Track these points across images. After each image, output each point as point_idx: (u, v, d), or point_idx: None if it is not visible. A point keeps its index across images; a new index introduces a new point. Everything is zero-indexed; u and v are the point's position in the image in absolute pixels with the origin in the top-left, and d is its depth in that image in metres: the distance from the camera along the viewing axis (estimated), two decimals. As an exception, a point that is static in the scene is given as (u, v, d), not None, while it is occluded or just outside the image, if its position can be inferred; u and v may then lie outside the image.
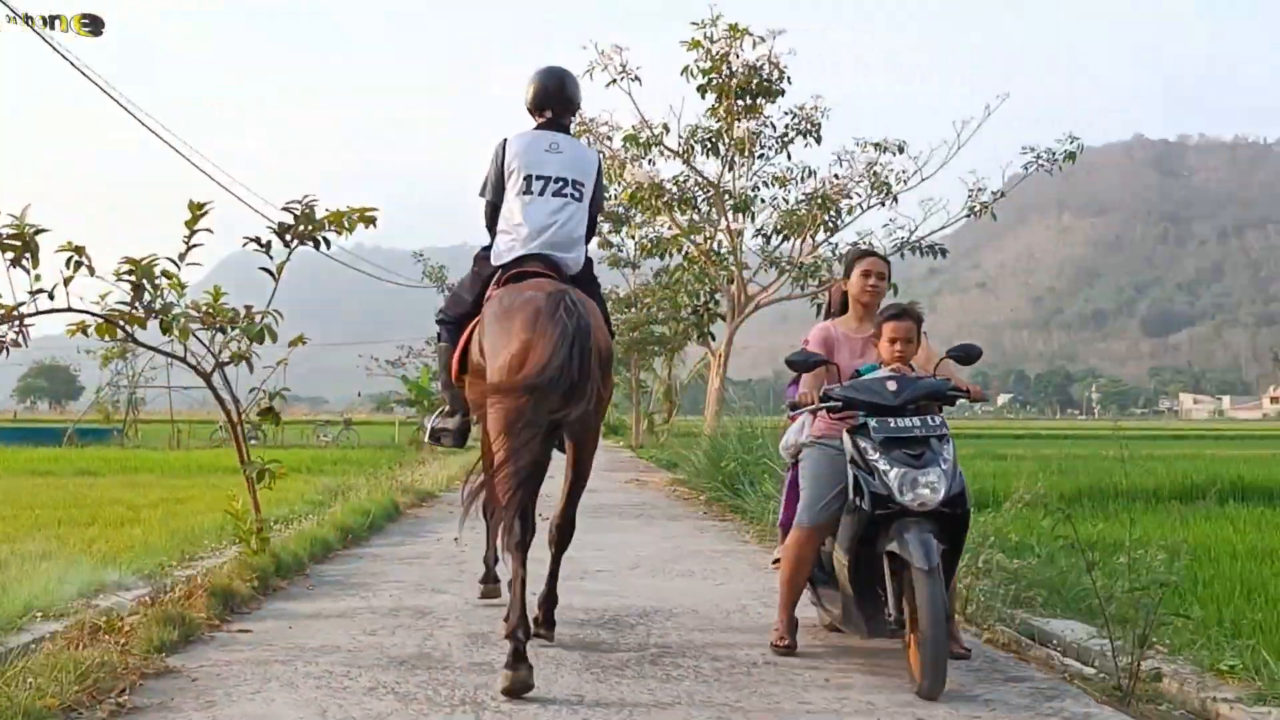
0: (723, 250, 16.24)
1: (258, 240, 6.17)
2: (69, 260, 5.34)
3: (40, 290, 5.25)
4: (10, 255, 5.05)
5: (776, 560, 4.64)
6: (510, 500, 3.92)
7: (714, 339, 16.51)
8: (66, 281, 5.35)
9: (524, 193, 4.72)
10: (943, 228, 15.94)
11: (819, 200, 14.74)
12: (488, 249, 4.89)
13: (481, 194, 4.98)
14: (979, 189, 15.56)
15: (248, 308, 5.95)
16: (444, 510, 10.31)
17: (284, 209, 6.09)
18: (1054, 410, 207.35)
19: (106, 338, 5.97)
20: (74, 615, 5.85)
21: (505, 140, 4.89)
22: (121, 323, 5.63)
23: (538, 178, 4.73)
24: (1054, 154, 15.43)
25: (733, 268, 15.95)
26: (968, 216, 15.70)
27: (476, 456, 4.52)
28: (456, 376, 4.94)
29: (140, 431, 31.34)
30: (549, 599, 4.70)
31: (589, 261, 4.97)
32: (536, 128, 4.93)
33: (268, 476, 5.88)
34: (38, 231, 5.06)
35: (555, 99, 4.95)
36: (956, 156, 15.02)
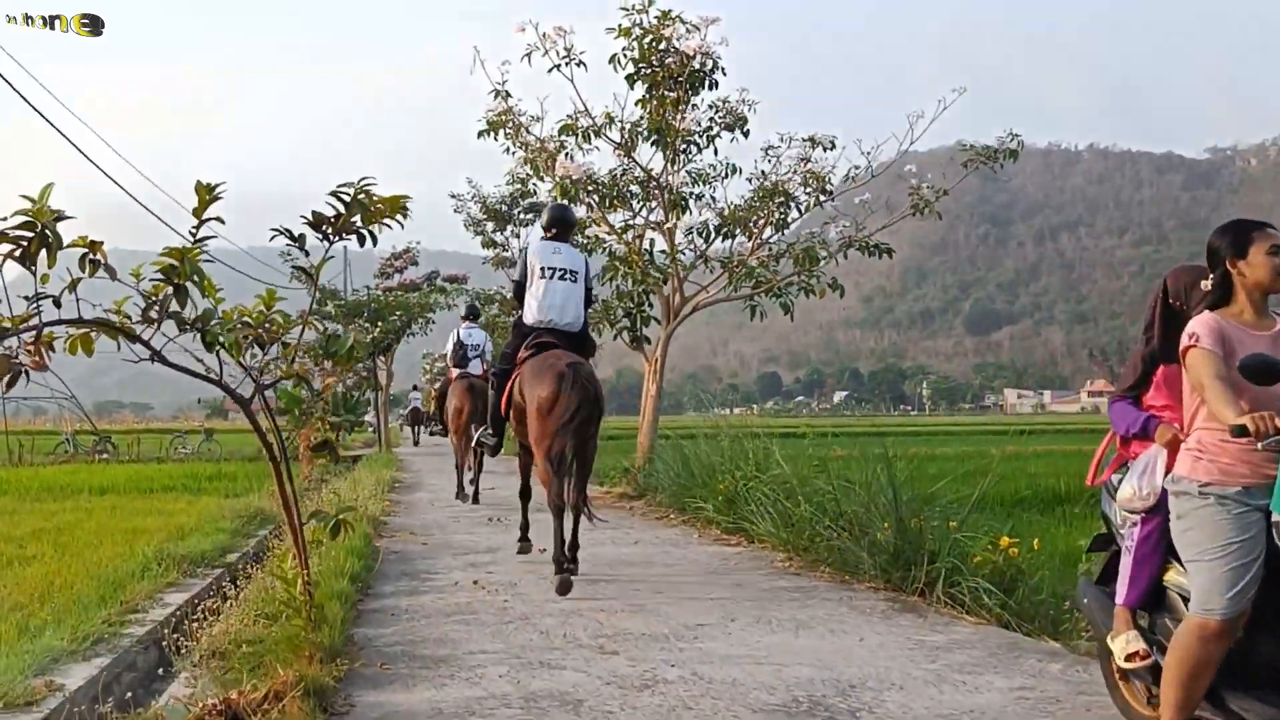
0: (656, 250, 15.30)
1: (289, 233, 4.98)
2: (82, 259, 4.08)
3: (44, 295, 3.99)
4: (16, 250, 3.78)
5: (1131, 657, 3.44)
6: (554, 488, 6.68)
7: (648, 343, 15.56)
8: (73, 285, 4.10)
9: (540, 278, 7.38)
10: (883, 227, 15.46)
11: (779, 192, 13.98)
12: (520, 317, 7.59)
13: (514, 279, 7.86)
14: (919, 185, 15.15)
15: (297, 314, 4.76)
16: (414, 543, 9.11)
17: (331, 195, 4.92)
18: (888, 406, 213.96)
19: (79, 353, 4.68)
20: (39, 701, 4.68)
21: (528, 247, 7.76)
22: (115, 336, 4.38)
23: (548, 268, 7.41)
24: (994, 152, 15.11)
25: (668, 268, 15.04)
26: (912, 214, 15.24)
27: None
28: (504, 411, 7.59)
29: (-29, 448, 28.56)
30: (574, 545, 6.88)
31: (587, 325, 7.72)
32: (545, 239, 7.71)
33: (344, 530, 4.64)
34: (59, 218, 3.81)
35: (559, 224, 7.80)
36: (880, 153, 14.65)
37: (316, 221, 4.97)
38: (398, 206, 5.04)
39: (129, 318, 4.36)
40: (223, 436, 31.95)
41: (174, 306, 4.33)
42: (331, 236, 5.01)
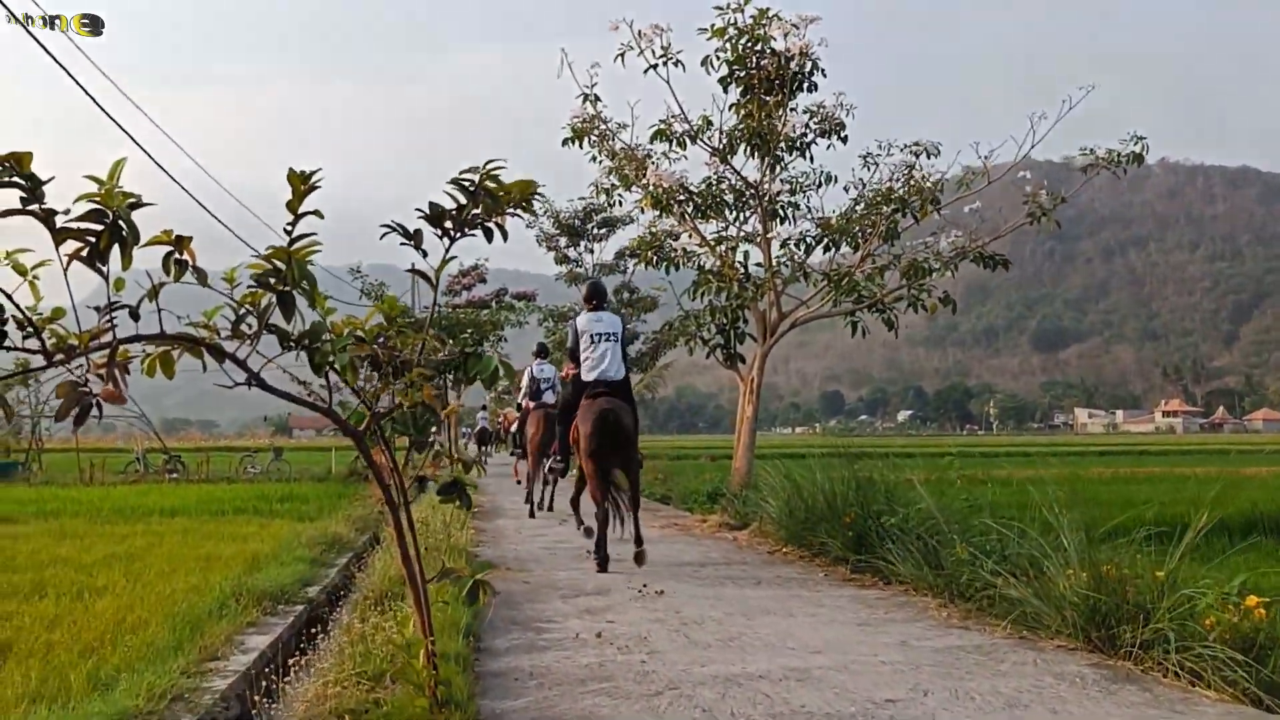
0: (751, 263, 14.36)
1: (404, 230, 4.15)
2: (166, 257, 3.27)
3: (119, 305, 3.19)
4: (82, 247, 2.98)
5: None
6: (600, 498, 8.86)
7: (742, 362, 14.64)
8: (154, 292, 3.28)
9: (590, 344, 9.19)
10: (996, 237, 14.46)
11: (892, 199, 13.03)
12: (579, 374, 9.27)
13: (565, 344, 10.27)
14: (1038, 192, 14.15)
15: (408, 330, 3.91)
16: (513, 581, 8.27)
17: (452, 183, 4.08)
18: (954, 425, 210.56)
19: (158, 373, 3.88)
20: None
21: (576, 319, 9.50)
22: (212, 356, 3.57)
23: (594, 334, 9.21)
24: (1117, 156, 14.07)
25: (765, 282, 14.10)
26: (1027, 223, 14.24)
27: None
28: (571, 441, 9.54)
29: (45, 465, 28.46)
30: (638, 534, 8.84)
31: (628, 372, 9.41)
32: (589, 310, 9.43)
33: (482, 593, 3.76)
34: (135, 205, 3.00)
35: (598, 296, 9.55)
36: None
37: (435, 216, 4.12)
38: (527, 193, 4.18)
39: (218, 333, 3.56)
40: (290, 455, 31.55)
41: (274, 319, 3.52)
42: (453, 233, 4.17)
